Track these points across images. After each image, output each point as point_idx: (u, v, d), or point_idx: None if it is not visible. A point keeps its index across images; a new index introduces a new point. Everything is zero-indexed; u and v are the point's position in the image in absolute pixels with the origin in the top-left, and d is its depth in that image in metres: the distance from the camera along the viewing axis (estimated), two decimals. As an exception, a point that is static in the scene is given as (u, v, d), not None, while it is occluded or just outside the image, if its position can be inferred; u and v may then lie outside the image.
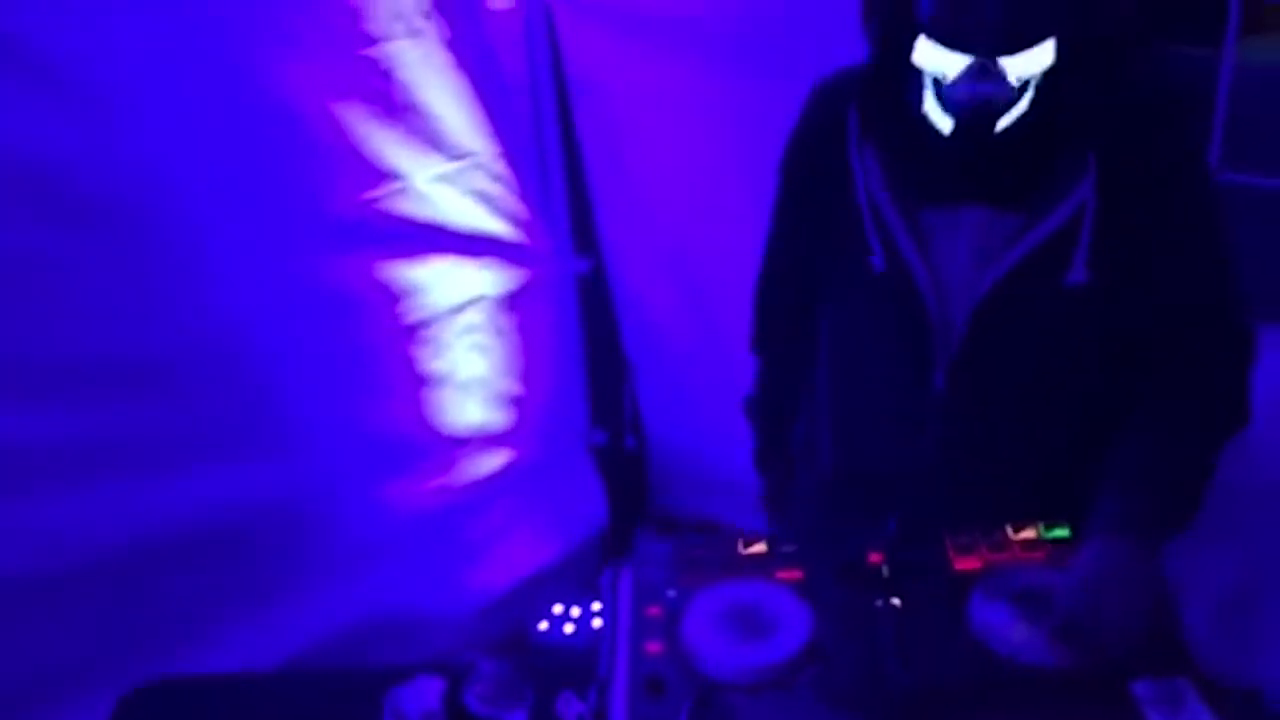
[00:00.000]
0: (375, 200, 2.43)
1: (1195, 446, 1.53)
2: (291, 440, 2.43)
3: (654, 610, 1.50)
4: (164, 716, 1.80)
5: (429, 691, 1.69)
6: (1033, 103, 1.46)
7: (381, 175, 2.43)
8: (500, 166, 2.64)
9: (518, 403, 2.84)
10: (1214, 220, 1.57)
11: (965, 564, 1.53)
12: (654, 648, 1.45)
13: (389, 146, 2.42)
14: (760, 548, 1.59)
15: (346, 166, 2.37)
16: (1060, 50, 1.43)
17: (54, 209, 2.02)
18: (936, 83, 1.47)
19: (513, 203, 2.70)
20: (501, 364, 2.78)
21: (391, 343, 2.56)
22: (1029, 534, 1.57)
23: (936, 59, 1.44)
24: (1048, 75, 1.44)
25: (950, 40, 1.42)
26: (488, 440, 2.80)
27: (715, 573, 1.55)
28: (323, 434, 2.48)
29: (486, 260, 2.68)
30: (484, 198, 2.63)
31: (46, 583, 2.12)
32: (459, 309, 2.65)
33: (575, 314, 2.95)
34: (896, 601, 1.48)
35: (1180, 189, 1.55)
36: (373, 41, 2.34)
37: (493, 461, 2.82)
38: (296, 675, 2.22)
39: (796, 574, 1.54)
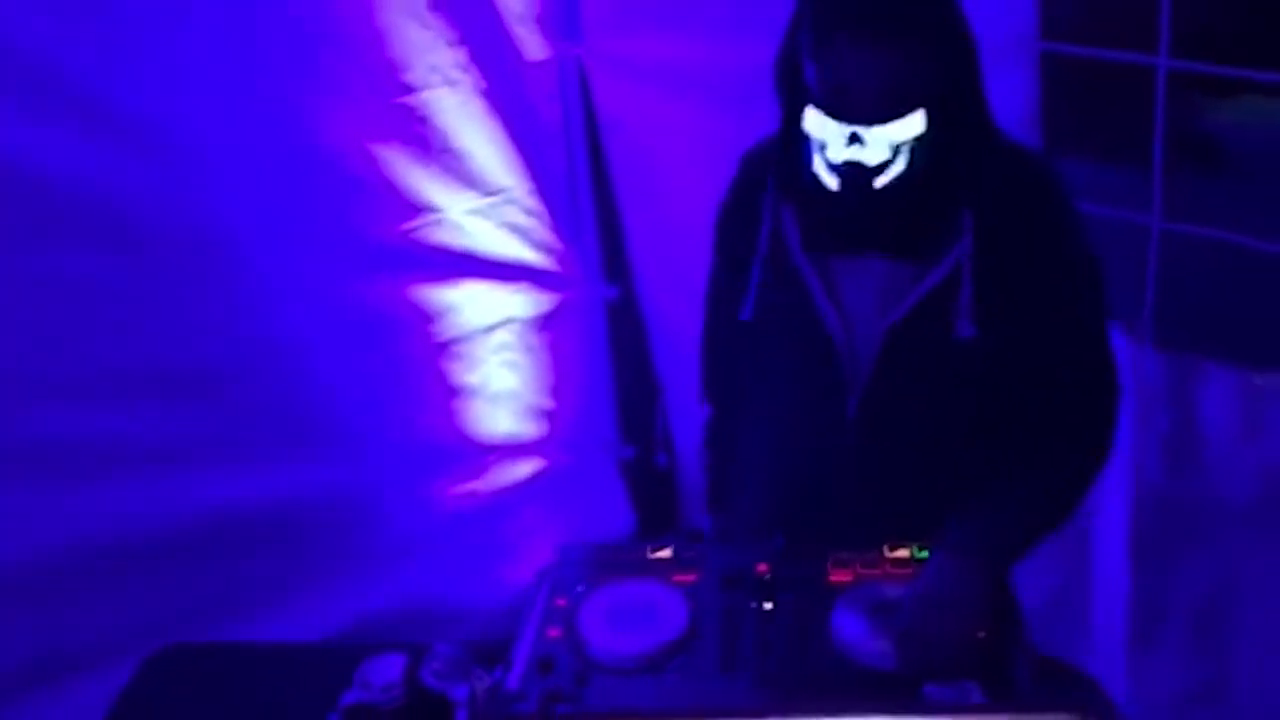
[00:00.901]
0: (413, 230, 2.74)
1: (1049, 482, 1.71)
2: (338, 444, 2.76)
3: (561, 601, 1.74)
4: (181, 677, 2.10)
5: (393, 666, 1.96)
6: (907, 164, 1.65)
7: (418, 209, 2.73)
8: (532, 201, 2.91)
9: (548, 416, 3.11)
10: (1084, 278, 1.75)
11: (839, 577, 1.74)
12: (553, 633, 1.69)
13: (426, 183, 2.72)
14: (666, 553, 1.82)
15: (386, 201, 2.68)
16: (930, 118, 1.62)
17: (128, 240, 2.39)
18: (823, 147, 1.67)
19: (544, 234, 2.96)
20: (532, 379, 3.05)
21: (427, 357, 2.86)
22: (903, 553, 1.76)
23: (819, 126, 1.65)
24: (919, 140, 1.63)
25: (829, 111, 1.63)
26: (518, 449, 3.07)
27: (621, 573, 1.78)
28: (366, 439, 2.80)
29: (518, 285, 2.96)
30: (516, 229, 2.91)
31: (117, 558, 2.49)
32: (491, 329, 2.94)
33: (604, 337, 3.20)
34: (769, 606, 1.69)
35: (1052, 249, 1.73)
36: (411, 90, 2.64)
37: (523, 469, 3.10)
38: (314, 647, 2.52)
39: (690, 577, 1.76)
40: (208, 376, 2.54)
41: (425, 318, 2.82)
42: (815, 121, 1.65)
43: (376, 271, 2.73)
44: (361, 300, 2.72)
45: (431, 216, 2.75)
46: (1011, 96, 2.32)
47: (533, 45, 2.84)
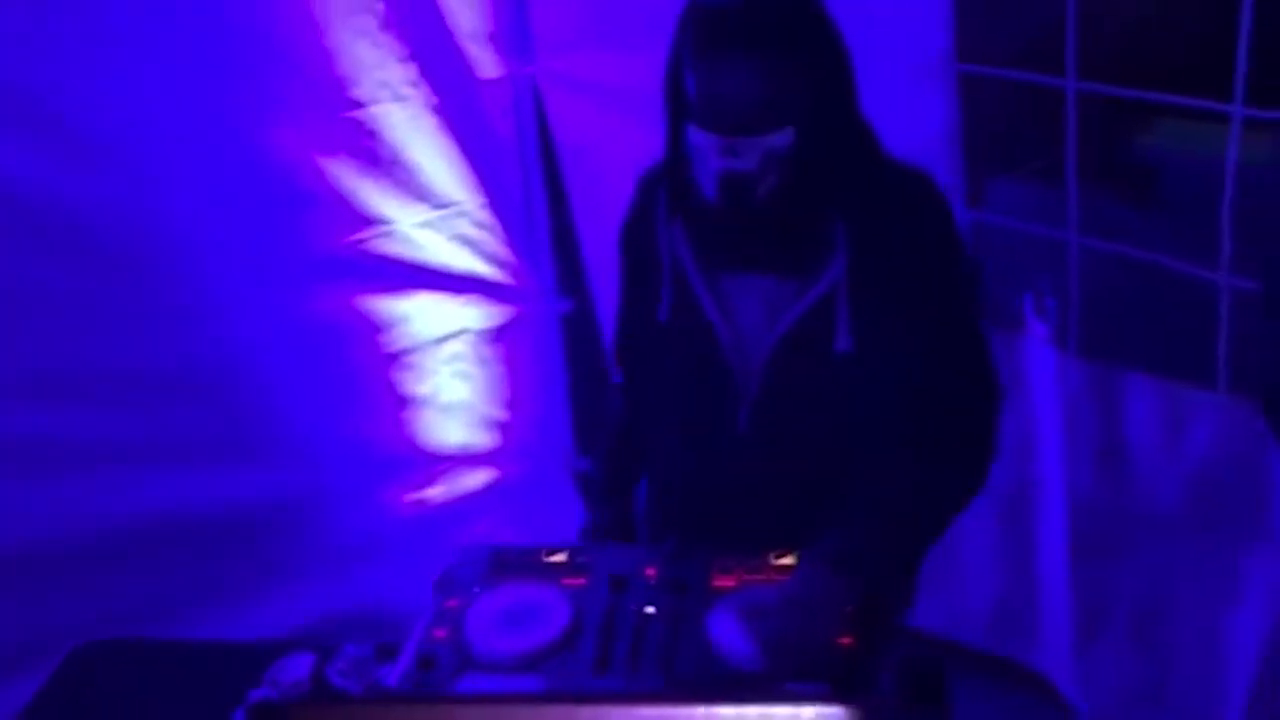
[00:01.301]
0: (363, 241, 2.80)
1: (925, 493, 1.75)
2: (288, 450, 2.81)
3: (453, 602, 1.79)
4: (103, 672, 2.16)
5: (301, 665, 2.01)
6: (781, 178, 1.69)
7: (368, 221, 2.79)
8: (485, 215, 2.97)
9: (502, 427, 3.16)
10: (961, 290, 1.79)
11: (722, 582, 1.77)
12: (440, 633, 1.73)
13: (375, 196, 2.78)
14: (561, 557, 1.86)
15: (336, 212, 2.74)
16: (802, 132, 1.67)
17: (80, 247, 2.46)
18: (703, 160, 1.72)
19: (497, 247, 3.02)
20: (485, 391, 3.10)
21: (378, 367, 2.91)
22: (788, 560, 1.80)
23: (697, 139, 1.70)
24: (793, 153, 1.68)
25: (705, 122, 1.68)
26: (471, 459, 3.13)
27: (515, 575, 1.83)
28: (316, 445, 2.85)
29: (470, 297, 3.01)
30: (468, 241, 2.97)
31: (62, 557, 2.55)
32: (443, 339, 2.99)
33: (560, 349, 3.25)
34: (650, 609, 1.73)
35: (928, 263, 1.77)
36: (360, 105, 2.71)
37: (476, 479, 3.15)
38: (237, 646, 2.56)
39: (580, 580, 1.81)
40: (159, 381, 2.60)
41: (376, 328, 2.88)
42: (695, 134, 1.70)
43: (327, 281, 2.79)
44: (313, 309, 2.78)
45: (382, 228, 2.81)
46: (931, 116, 2.38)
47: (486, 63, 2.91)
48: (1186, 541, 2.48)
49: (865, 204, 1.76)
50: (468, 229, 2.96)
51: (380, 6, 2.66)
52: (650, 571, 1.80)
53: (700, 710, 1.13)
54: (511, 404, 3.16)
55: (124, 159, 2.47)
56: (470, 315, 3.03)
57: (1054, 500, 2.68)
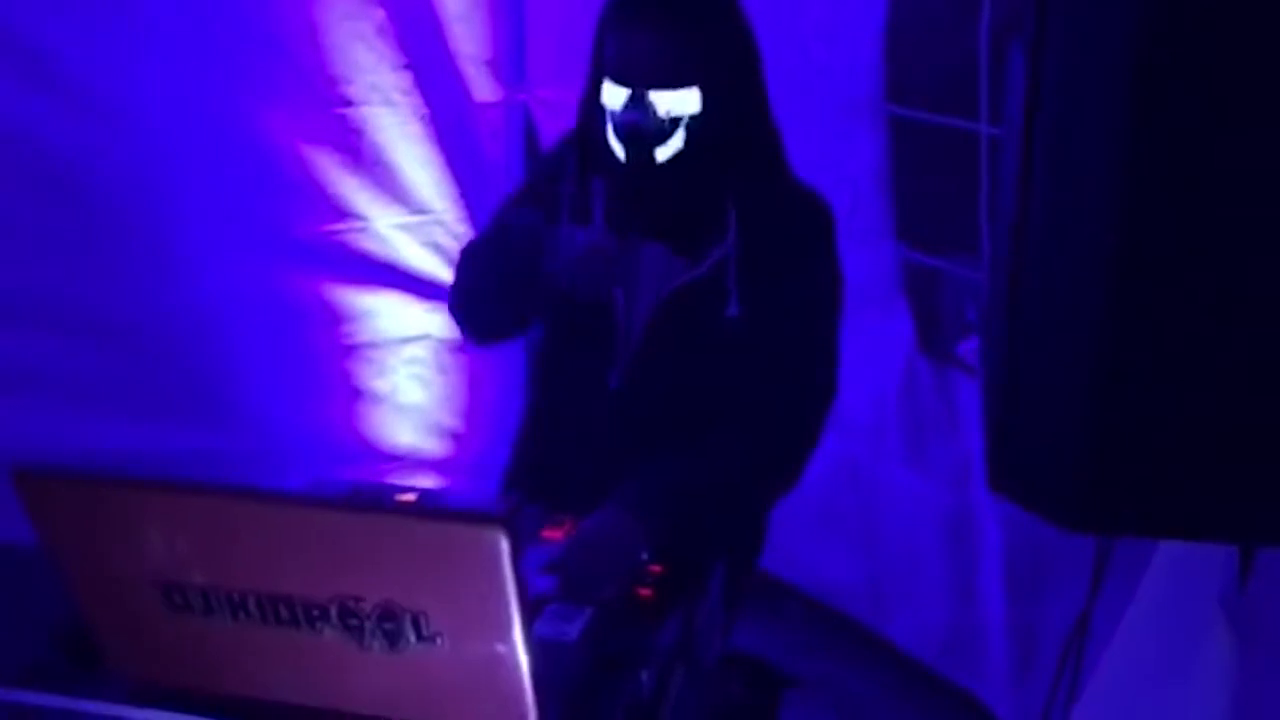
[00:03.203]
0: (336, 233, 2.95)
1: (728, 460, 1.84)
2: (234, 417, 2.92)
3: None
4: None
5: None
6: (686, 142, 1.82)
7: (343, 213, 2.95)
8: (462, 227, 3.11)
9: (454, 437, 3.26)
10: (824, 300, 1.89)
11: (551, 534, 1.84)
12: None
13: (354, 191, 2.94)
14: (410, 498, 1.93)
15: (312, 199, 2.90)
16: (706, 101, 1.80)
17: (64, 190, 2.64)
18: (613, 116, 1.85)
19: (470, 261, 3.15)
20: (441, 399, 3.21)
21: (337, 355, 3.04)
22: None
23: (609, 93, 1.84)
24: (697, 120, 1.81)
25: (615, 76, 1.82)
26: (417, 463, 3.22)
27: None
28: (264, 417, 2.97)
29: (437, 304, 3.13)
30: (441, 250, 3.10)
31: None
32: (406, 341, 3.11)
33: (522, 370, 3.35)
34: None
35: (802, 265, 1.87)
36: (349, 104, 2.88)
37: (421, 483, 3.23)
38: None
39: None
40: (122, 328, 2.74)
41: (340, 317, 3.01)
42: (607, 90, 1.84)
43: (298, 264, 2.93)
44: (281, 288, 2.92)
45: (356, 223, 2.97)
46: (861, 154, 2.48)
47: (482, 86, 3.07)
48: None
49: (759, 198, 1.88)
50: (443, 238, 3.10)
51: (380, 14, 2.85)
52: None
53: (359, 516, 1.20)
54: (466, 416, 3.26)
55: (120, 116, 2.65)
56: (435, 322, 3.15)
57: (990, 529, 2.72)
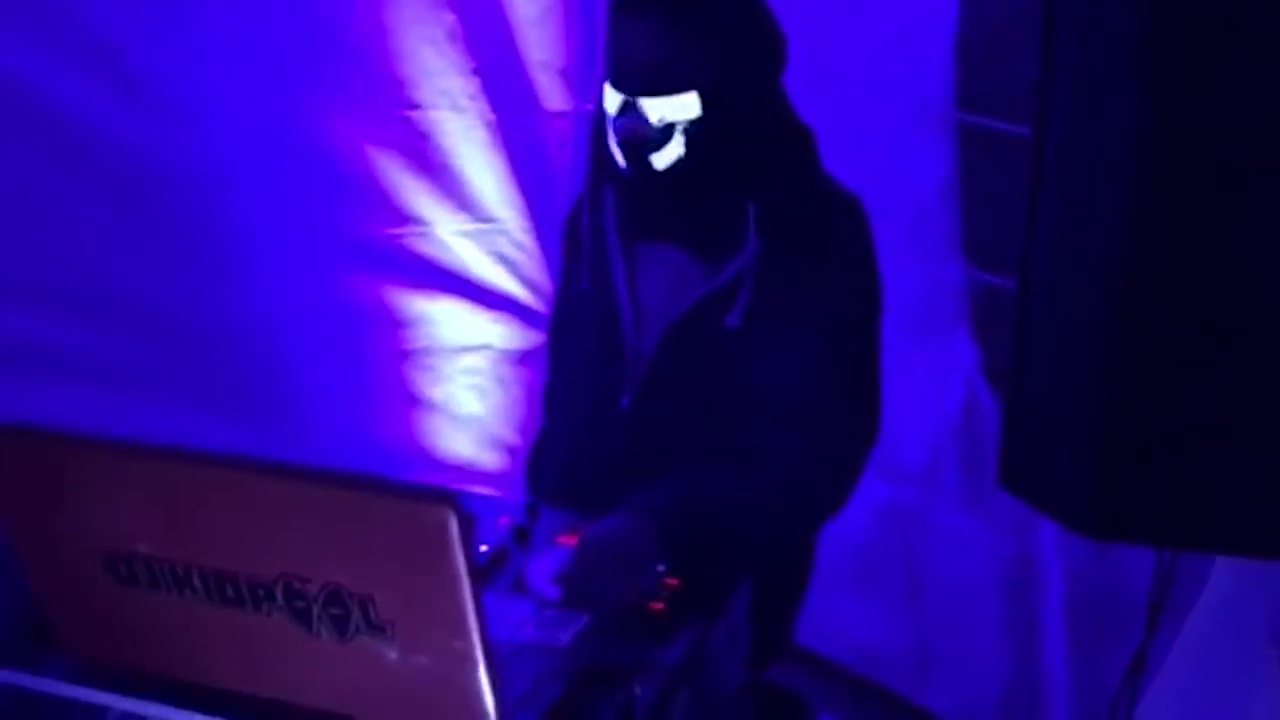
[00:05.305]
0: (398, 237, 2.92)
1: (750, 480, 1.72)
2: (281, 417, 2.90)
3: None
4: None
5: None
6: (687, 148, 1.72)
7: (406, 218, 2.91)
8: (526, 238, 3.06)
9: (511, 451, 3.19)
10: (859, 322, 1.77)
11: (565, 540, 1.75)
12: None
13: (417, 196, 2.91)
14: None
15: (375, 202, 2.88)
16: (707, 104, 1.70)
17: (123, 179, 2.64)
18: (612, 122, 1.77)
19: (534, 271, 3.09)
20: (499, 411, 3.15)
21: (393, 360, 3.00)
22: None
23: (608, 98, 1.76)
24: (697, 126, 1.71)
25: (613, 81, 1.74)
26: (474, 476, 3.16)
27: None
28: (314, 419, 2.94)
29: (498, 314, 3.08)
30: (504, 259, 3.05)
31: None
32: (464, 350, 3.06)
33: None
34: (484, 547, 1.72)
35: (834, 283, 1.76)
36: (416, 107, 2.85)
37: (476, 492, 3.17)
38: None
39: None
40: (179, 323, 2.73)
41: (397, 322, 2.97)
42: (607, 95, 1.76)
43: (357, 266, 2.91)
44: (338, 289, 2.90)
45: (418, 228, 2.93)
46: (928, 165, 2.35)
47: (553, 95, 3.03)
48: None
49: (782, 203, 1.77)
50: (506, 247, 3.05)
51: (451, 18, 2.83)
52: (503, 520, 1.79)
53: (299, 486, 1.13)
54: (525, 431, 3.19)
55: (185, 114, 2.65)
56: (496, 332, 3.10)
57: (1053, 580, 2.53)
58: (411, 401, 3.04)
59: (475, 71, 2.90)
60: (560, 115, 3.06)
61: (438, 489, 1.10)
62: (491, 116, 2.94)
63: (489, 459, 3.17)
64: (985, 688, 2.75)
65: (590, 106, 3.02)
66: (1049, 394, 1.04)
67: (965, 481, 2.61)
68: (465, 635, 1.14)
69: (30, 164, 2.57)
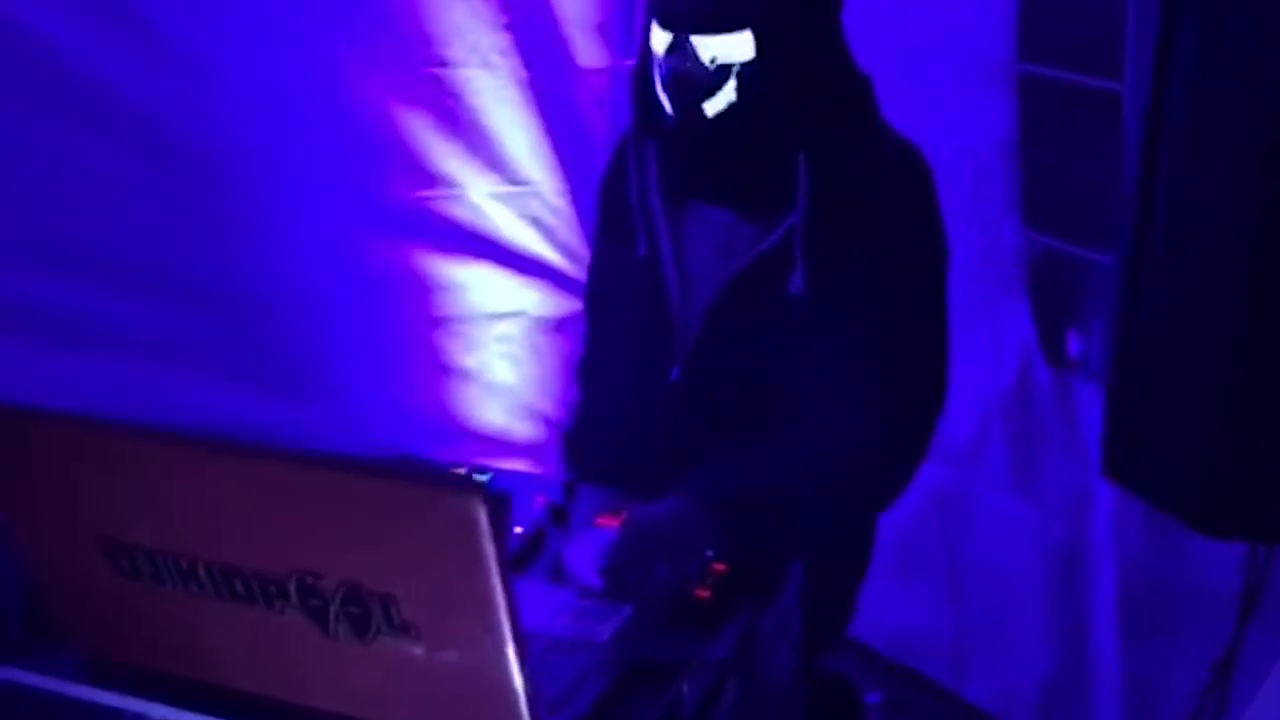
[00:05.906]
0: (429, 200, 2.82)
1: (815, 457, 1.61)
2: (314, 385, 2.82)
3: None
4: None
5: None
6: (739, 94, 1.61)
7: (436, 180, 2.81)
8: (560, 201, 2.95)
9: (546, 422, 3.09)
10: (920, 281, 1.65)
11: (605, 520, 1.65)
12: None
13: (448, 157, 2.80)
14: (460, 470, 1.77)
15: (405, 164, 2.78)
16: (760, 47, 1.59)
17: (152, 144, 2.55)
18: (659, 64, 1.66)
19: (569, 235, 2.98)
20: (533, 380, 3.05)
21: (424, 326, 2.91)
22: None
23: (656, 38, 1.65)
24: (751, 69, 1.60)
25: (661, 19, 1.63)
26: (508, 447, 3.07)
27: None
28: (345, 387, 2.85)
29: (532, 280, 2.98)
30: (539, 224, 2.94)
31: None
32: (498, 317, 2.96)
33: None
34: (519, 529, 1.63)
35: (891, 236, 1.64)
36: (445, 64, 2.74)
37: (510, 467, 3.08)
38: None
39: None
40: (209, 290, 2.66)
41: (428, 287, 2.88)
42: (655, 36, 1.65)
43: (387, 229, 2.81)
44: (367, 253, 2.81)
45: (449, 190, 2.83)
46: (987, 121, 2.21)
47: (588, 51, 2.91)
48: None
49: (838, 157, 1.65)
50: (540, 211, 2.94)
51: (482, -28, 2.71)
52: (539, 499, 1.70)
53: (312, 473, 1.03)
54: (560, 401, 3.09)
55: (214, 75, 2.56)
56: (530, 299, 2.99)
57: (1105, 566, 2.41)
58: (443, 370, 2.95)
59: (507, 27, 2.78)
60: (597, 72, 2.94)
61: (465, 476, 1.00)
62: (524, 74, 2.83)
63: (523, 430, 3.08)
64: (1026, 680, 2.64)
65: (629, 62, 2.93)
66: (1163, 382, 0.92)
67: (1013, 461, 2.48)
68: (496, 631, 1.04)
69: (61, 133, 2.49)
